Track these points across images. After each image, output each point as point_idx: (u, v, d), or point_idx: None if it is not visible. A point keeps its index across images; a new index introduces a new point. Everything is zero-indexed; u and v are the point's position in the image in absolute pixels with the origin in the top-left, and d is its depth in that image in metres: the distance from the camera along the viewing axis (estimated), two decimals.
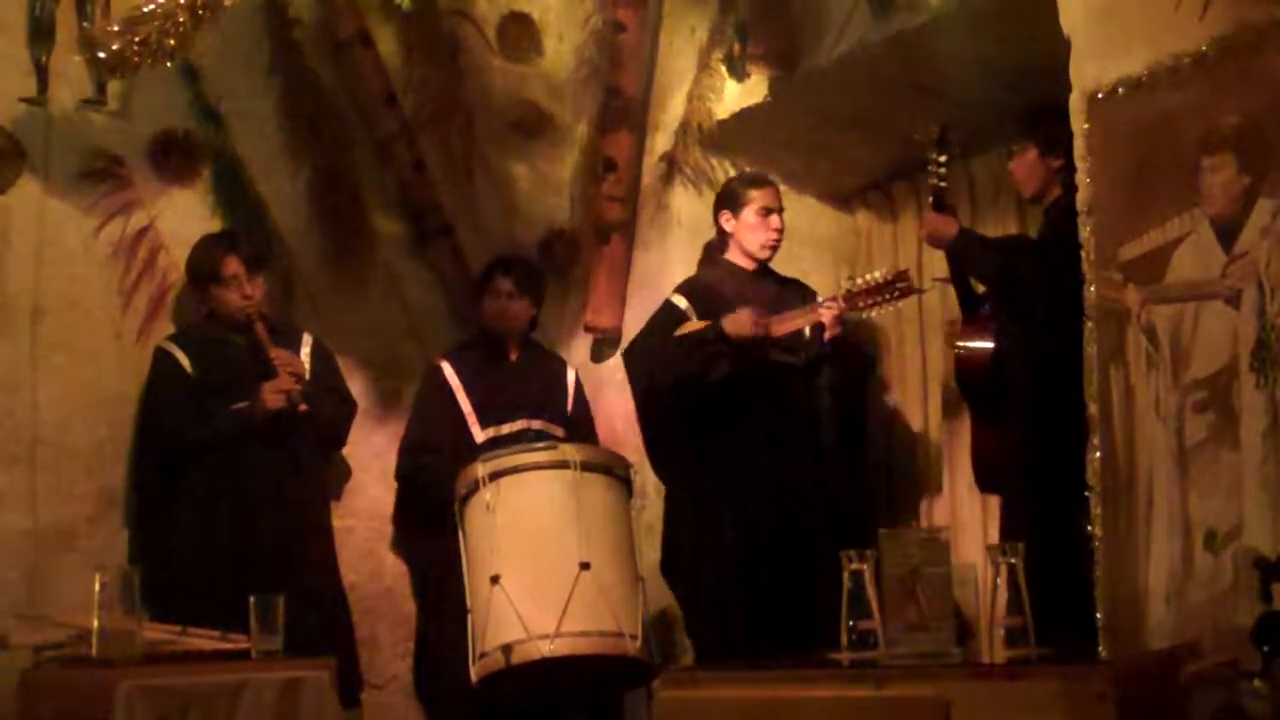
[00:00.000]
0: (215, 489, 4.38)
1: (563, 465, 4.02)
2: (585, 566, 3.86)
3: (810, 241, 5.11)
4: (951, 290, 4.35)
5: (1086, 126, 3.36)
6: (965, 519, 4.69)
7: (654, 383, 4.52)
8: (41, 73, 4.36)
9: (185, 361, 4.45)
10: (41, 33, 4.35)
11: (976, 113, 4.36)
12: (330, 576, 4.60)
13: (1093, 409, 3.30)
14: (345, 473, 4.92)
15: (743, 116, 4.91)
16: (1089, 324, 3.33)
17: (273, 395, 4.38)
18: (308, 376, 4.52)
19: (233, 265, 4.47)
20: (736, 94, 4.92)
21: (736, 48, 4.80)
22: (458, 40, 5.23)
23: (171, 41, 4.06)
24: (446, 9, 5.20)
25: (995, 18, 4.03)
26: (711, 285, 4.62)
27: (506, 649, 3.82)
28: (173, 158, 4.67)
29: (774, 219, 4.56)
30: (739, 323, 4.34)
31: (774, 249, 4.59)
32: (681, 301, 4.58)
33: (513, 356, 4.90)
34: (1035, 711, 2.39)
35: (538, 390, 4.85)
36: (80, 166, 4.50)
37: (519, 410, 4.77)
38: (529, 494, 4.01)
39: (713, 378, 4.38)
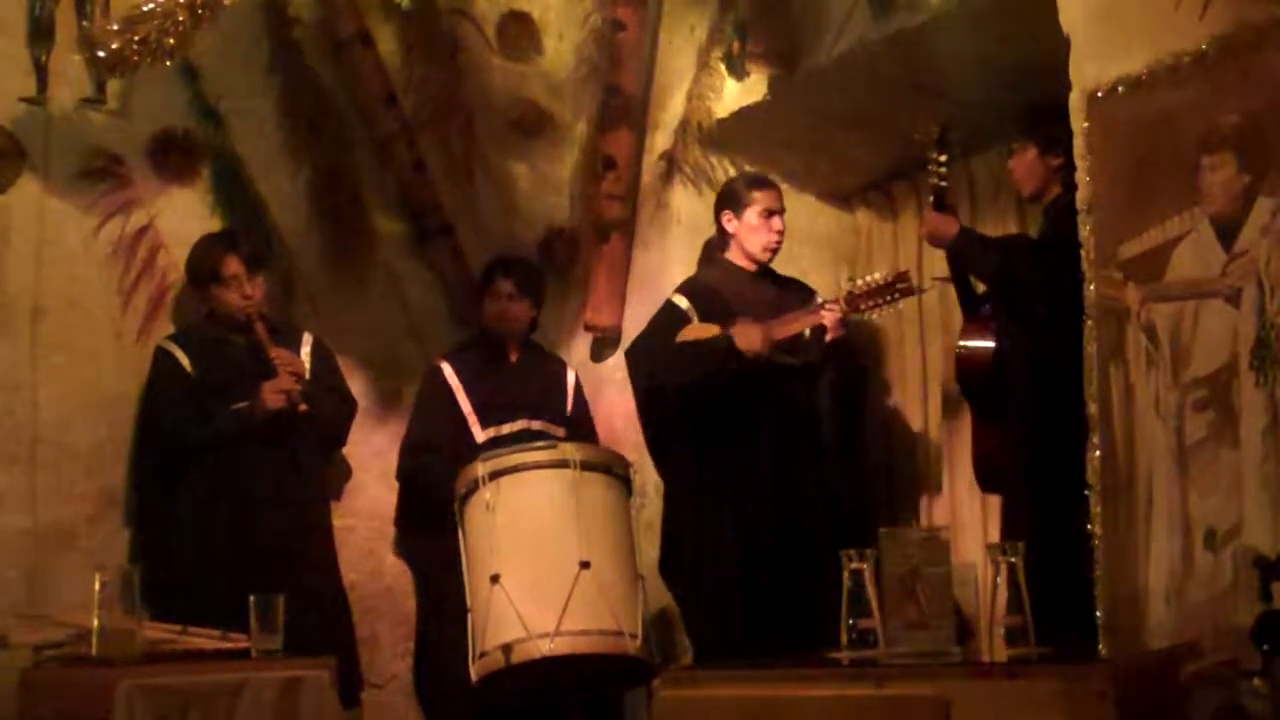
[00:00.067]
0: (215, 489, 4.38)
1: (562, 464, 4.02)
2: (585, 565, 3.86)
3: (810, 240, 5.11)
4: (951, 290, 4.35)
5: (1086, 125, 3.36)
6: (965, 518, 4.69)
7: (657, 384, 4.52)
8: (41, 72, 4.36)
9: (185, 361, 4.45)
10: (41, 32, 4.34)
11: (976, 112, 4.36)
12: (330, 576, 4.59)
13: (1092, 408, 3.30)
14: (345, 472, 4.92)
15: (742, 115, 4.91)
16: (1089, 323, 3.33)
17: (273, 395, 4.38)
18: (308, 376, 4.52)
19: (233, 265, 4.47)
20: (736, 93, 4.92)
21: (736, 46, 4.81)
22: (457, 39, 5.23)
23: (171, 40, 4.06)
24: (446, 8, 5.20)
25: (995, 17, 4.03)
26: (712, 285, 4.62)
27: (506, 648, 3.82)
28: (172, 157, 4.67)
29: (776, 221, 4.57)
30: (751, 339, 4.34)
31: (775, 251, 4.59)
32: (683, 302, 4.58)
33: (513, 357, 4.90)
34: (1035, 710, 2.39)
35: (538, 391, 4.85)
36: (80, 166, 4.50)
37: (519, 411, 4.77)
38: (529, 493, 4.01)
39: (718, 381, 4.38)
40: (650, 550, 4.57)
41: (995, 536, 4.34)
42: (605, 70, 5.26)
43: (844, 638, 2.81)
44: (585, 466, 4.03)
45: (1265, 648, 2.55)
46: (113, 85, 4.47)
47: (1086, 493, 3.29)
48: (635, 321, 5.03)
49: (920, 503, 4.90)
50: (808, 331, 4.40)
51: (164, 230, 4.63)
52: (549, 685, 4.06)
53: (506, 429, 4.73)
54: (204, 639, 3.72)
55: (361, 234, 5.00)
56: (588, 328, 5.29)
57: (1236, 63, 3.05)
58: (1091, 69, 3.36)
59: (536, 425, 4.76)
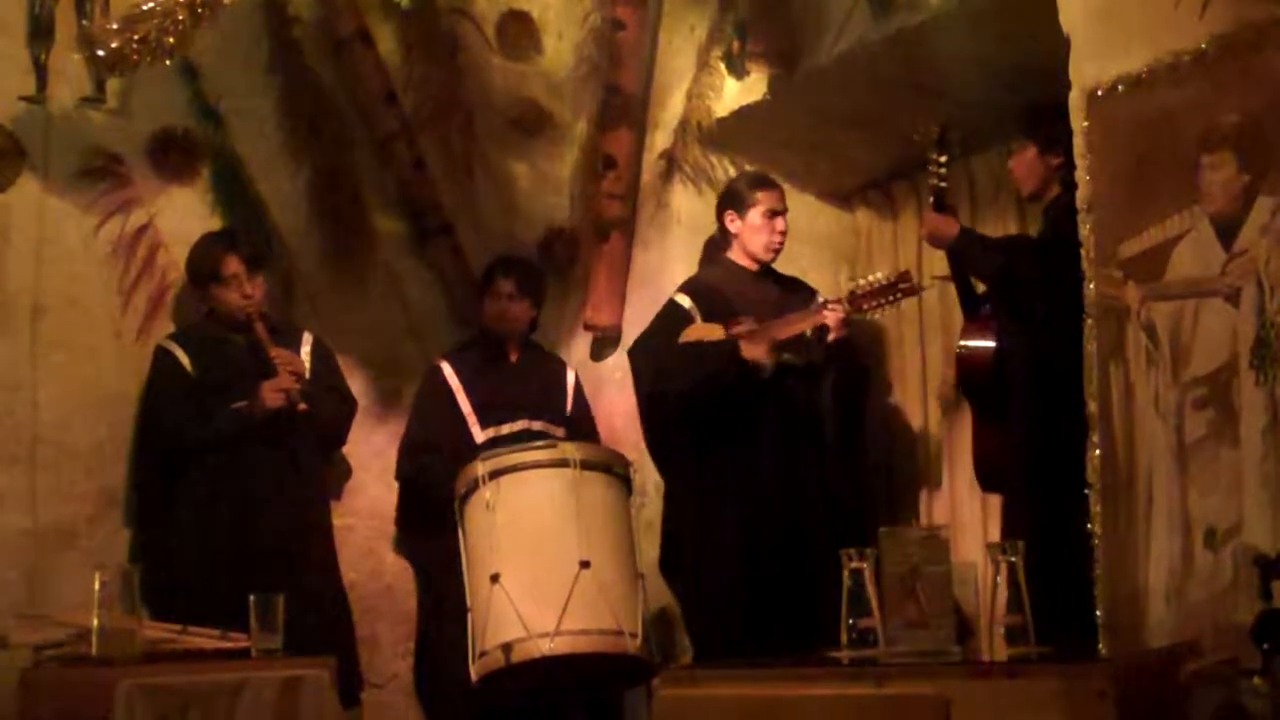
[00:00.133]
0: (215, 488, 4.38)
1: (562, 464, 4.02)
2: (585, 565, 3.86)
3: (810, 240, 5.11)
4: (951, 290, 4.35)
5: (1086, 124, 3.36)
6: (965, 518, 4.69)
7: (660, 384, 4.52)
8: (41, 71, 4.36)
9: (185, 360, 4.45)
10: (41, 31, 4.34)
11: (976, 112, 4.36)
12: (330, 575, 4.59)
13: (1092, 407, 3.30)
14: (345, 472, 4.92)
15: (742, 115, 4.91)
16: (1089, 322, 3.33)
17: (272, 394, 4.37)
18: (308, 376, 4.52)
19: (233, 264, 4.47)
20: (736, 92, 4.92)
21: (736, 46, 4.81)
22: (457, 38, 5.23)
23: (171, 39, 4.06)
24: (446, 7, 5.20)
25: (995, 17, 4.03)
26: (715, 285, 4.61)
27: (506, 648, 3.82)
28: (172, 156, 4.67)
29: (779, 222, 4.57)
30: (756, 350, 4.34)
31: (778, 251, 4.60)
32: (686, 301, 4.58)
33: (513, 357, 4.90)
34: (1035, 710, 2.39)
35: (537, 391, 4.85)
36: (80, 165, 4.50)
37: (519, 411, 4.77)
38: (529, 492, 4.01)
39: (722, 381, 4.38)
40: (650, 550, 4.57)
41: (995, 536, 4.34)
42: (605, 69, 5.26)
43: (844, 637, 2.81)
44: (585, 466, 4.03)
45: (1265, 646, 2.55)
46: (112, 84, 4.47)
47: (1086, 492, 3.29)
48: (635, 321, 5.03)
49: (920, 502, 4.90)
50: (810, 331, 4.40)
51: (164, 229, 4.63)
52: (549, 685, 4.06)
53: (506, 429, 4.73)
54: (204, 639, 3.72)
55: (361, 233, 5.00)
56: (587, 327, 5.28)
57: (1236, 62, 3.05)
58: (1091, 68, 3.36)
59: (536, 425, 4.76)
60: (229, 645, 3.65)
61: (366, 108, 5.02)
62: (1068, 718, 2.35)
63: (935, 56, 4.29)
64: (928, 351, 4.94)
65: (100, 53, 4.14)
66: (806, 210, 5.15)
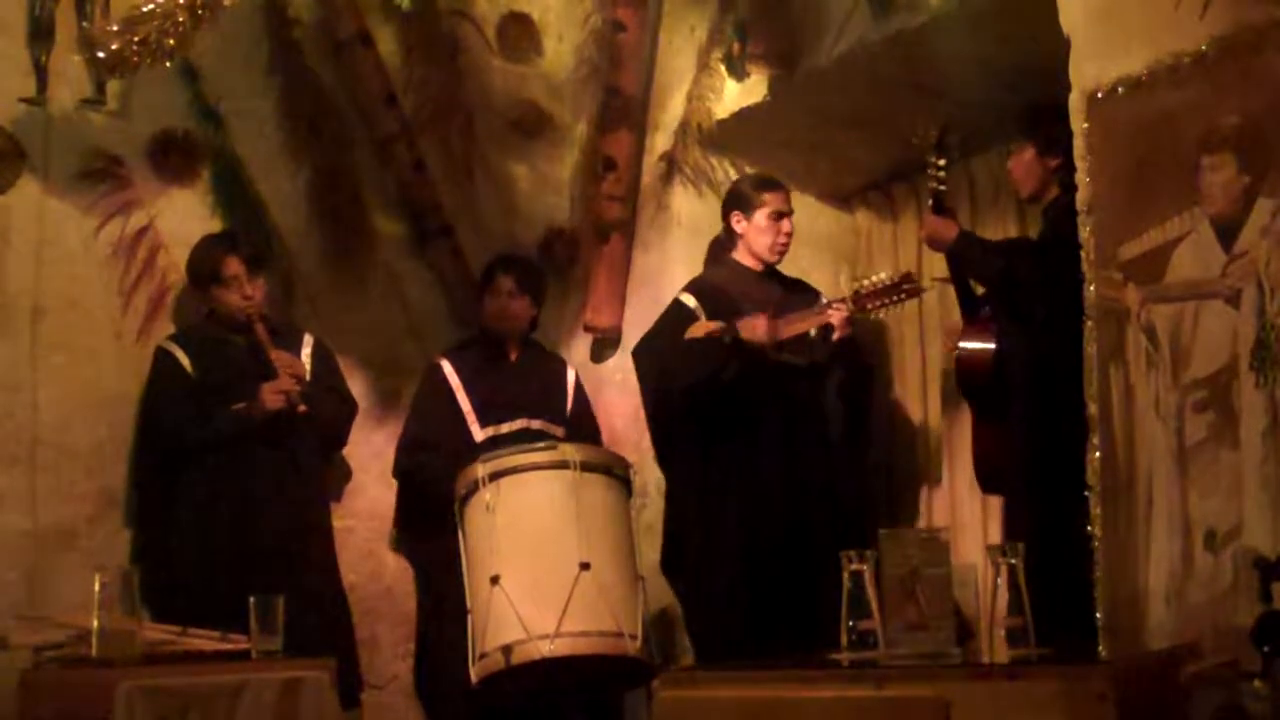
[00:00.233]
0: (215, 489, 4.38)
1: (562, 465, 4.02)
2: (585, 567, 3.86)
3: (810, 241, 5.11)
4: (951, 290, 4.35)
5: (1086, 126, 3.36)
6: (965, 519, 4.69)
7: (664, 382, 4.52)
8: (41, 73, 4.36)
9: (185, 361, 4.45)
10: (41, 32, 4.34)
11: (976, 113, 4.36)
12: (330, 577, 4.59)
13: (1092, 409, 3.30)
14: (345, 473, 4.92)
15: (742, 116, 4.91)
16: (1089, 323, 3.33)
17: (272, 396, 4.38)
18: (308, 377, 4.52)
19: (233, 266, 4.47)
20: (736, 93, 4.92)
21: (736, 47, 4.81)
22: (457, 40, 5.23)
23: (171, 41, 4.06)
24: (446, 9, 5.20)
25: (995, 18, 4.03)
26: (719, 285, 4.61)
27: (506, 649, 3.83)
28: (172, 157, 4.67)
29: (785, 223, 4.57)
30: (755, 329, 4.34)
31: (783, 253, 4.60)
32: (690, 300, 4.58)
33: (512, 356, 4.90)
34: (1035, 712, 2.39)
35: (537, 390, 4.85)
36: (80, 166, 4.50)
37: (518, 410, 4.77)
38: (529, 494, 4.01)
39: (724, 378, 4.38)
40: (650, 552, 4.57)
41: (996, 537, 4.35)
42: (605, 71, 5.26)
43: (844, 639, 2.81)
44: (585, 467, 4.03)
45: (1265, 649, 2.55)
46: (113, 86, 4.48)
47: (1086, 494, 3.29)
48: (635, 323, 5.03)
49: (920, 503, 4.90)
50: (814, 331, 4.40)
51: (164, 231, 4.63)
52: (549, 686, 4.06)
53: (506, 428, 4.73)
54: (204, 640, 3.72)
55: (361, 234, 5.00)
56: (587, 329, 5.29)
57: (1236, 63, 3.05)
58: (1091, 69, 3.35)
59: (536, 424, 4.76)
60: (229, 647, 3.66)
61: (367, 109, 5.03)
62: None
63: (935, 57, 4.29)
64: (928, 351, 4.94)
65: (100, 54, 4.14)
66: (806, 211, 5.14)
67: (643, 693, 4.36)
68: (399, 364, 5.03)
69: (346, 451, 4.86)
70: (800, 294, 4.63)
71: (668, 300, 4.70)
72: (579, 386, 4.96)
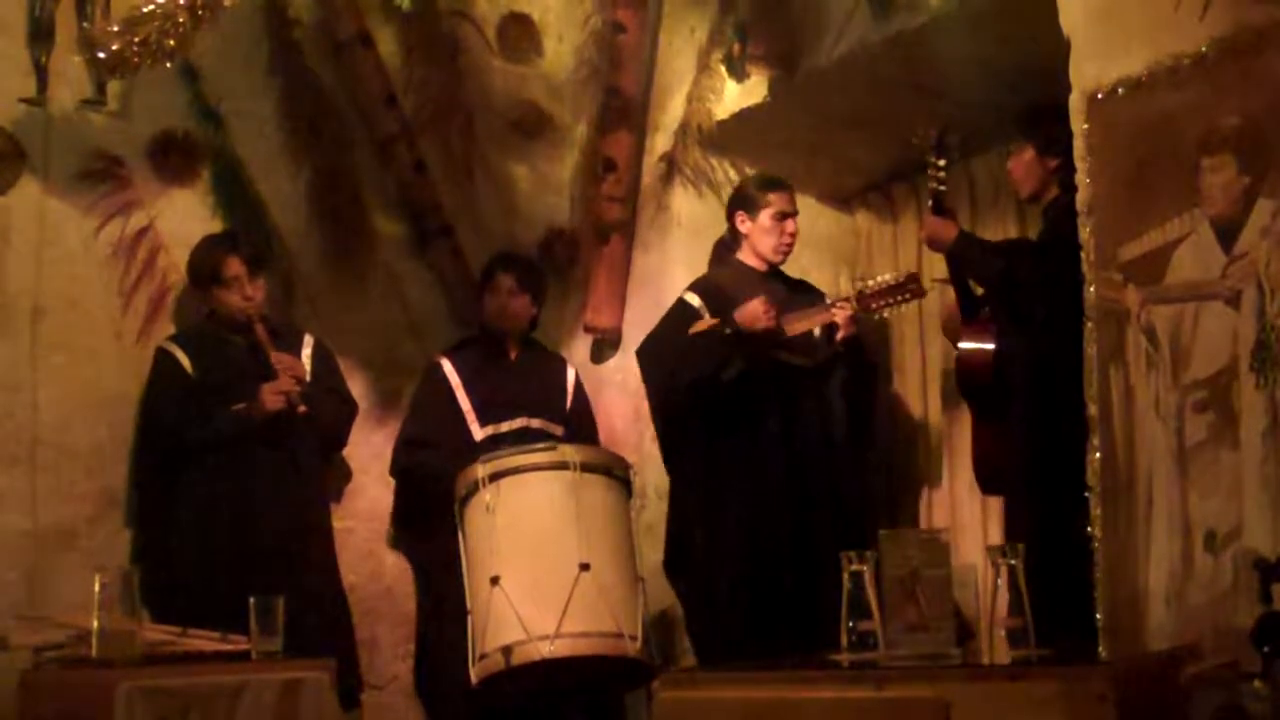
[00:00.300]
0: (215, 489, 4.38)
1: (562, 466, 4.02)
2: (585, 567, 3.86)
3: (810, 242, 5.11)
4: (951, 290, 4.35)
5: (1086, 126, 3.36)
6: (965, 520, 4.69)
7: (668, 381, 4.52)
8: (41, 73, 4.36)
9: (186, 362, 4.45)
10: (41, 33, 4.34)
11: (976, 113, 4.36)
12: (330, 577, 4.59)
13: (1092, 409, 3.30)
14: (345, 474, 4.92)
15: (742, 117, 4.91)
16: (1089, 324, 3.33)
17: (272, 397, 4.37)
18: (308, 378, 4.52)
19: (234, 266, 4.47)
20: (736, 94, 4.92)
21: (736, 48, 4.81)
22: (458, 41, 5.23)
23: (171, 42, 4.06)
24: (446, 10, 5.20)
25: (995, 18, 4.03)
26: (723, 285, 4.61)
27: (506, 650, 3.83)
28: (172, 158, 4.67)
29: (789, 224, 4.58)
30: (751, 313, 4.34)
31: (787, 253, 4.61)
32: (694, 299, 4.58)
33: (512, 355, 4.90)
34: (1035, 712, 2.39)
35: (537, 389, 4.85)
36: (80, 167, 4.50)
37: (518, 409, 4.77)
38: (529, 495, 4.01)
39: (726, 376, 4.38)
40: (650, 552, 4.56)
41: (996, 538, 4.35)
42: (605, 72, 5.26)
43: (844, 640, 2.81)
44: (585, 468, 4.03)
45: (1265, 650, 2.55)
46: (113, 86, 4.48)
47: (1086, 494, 3.29)
48: (635, 323, 5.03)
49: (920, 503, 4.90)
50: (818, 330, 4.40)
51: (164, 231, 4.63)
52: (549, 687, 4.06)
53: (505, 427, 4.73)
54: (204, 640, 3.72)
55: (361, 234, 5.00)
56: (587, 329, 5.29)
57: (1236, 64, 3.05)
58: (1091, 70, 3.36)
59: (536, 424, 4.76)
60: (229, 647, 3.66)
61: (367, 109, 5.03)
62: None
63: (935, 58, 4.29)
64: (928, 351, 4.95)
65: (101, 55, 4.14)
66: (807, 212, 5.13)
67: (643, 693, 4.36)
68: (399, 364, 5.03)
69: (346, 452, 4.86)
70: (804, 294, 4.64)
71: (668, 301, 4.71)
72: (579, 385, 4.96)
